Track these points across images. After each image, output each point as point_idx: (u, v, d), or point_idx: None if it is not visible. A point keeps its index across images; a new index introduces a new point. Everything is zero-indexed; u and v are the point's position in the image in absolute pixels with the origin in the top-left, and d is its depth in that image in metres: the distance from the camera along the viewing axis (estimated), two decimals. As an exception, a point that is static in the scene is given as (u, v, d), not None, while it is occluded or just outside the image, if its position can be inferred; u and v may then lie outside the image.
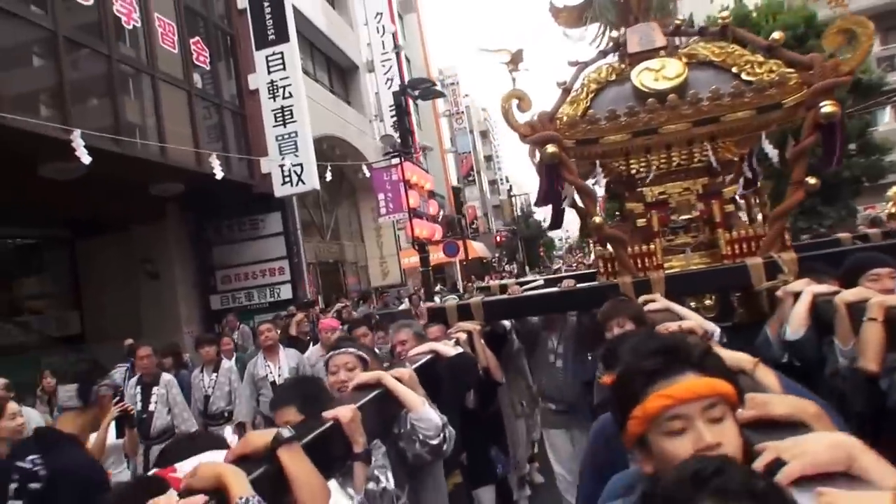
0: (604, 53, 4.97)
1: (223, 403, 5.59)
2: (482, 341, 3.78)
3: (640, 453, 1.17)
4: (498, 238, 34.85)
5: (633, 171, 4.51)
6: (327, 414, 1.81)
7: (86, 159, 6.15)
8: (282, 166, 9.84)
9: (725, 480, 0.80)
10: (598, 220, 4.44)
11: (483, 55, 5.23)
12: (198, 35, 9.62)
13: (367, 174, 13.20)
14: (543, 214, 59.95)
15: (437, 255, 16.44)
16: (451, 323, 4.21)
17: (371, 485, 1.86)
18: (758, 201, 5.09)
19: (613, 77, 4.62)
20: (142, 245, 10.84)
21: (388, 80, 16.22)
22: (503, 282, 8.01)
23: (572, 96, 4.59)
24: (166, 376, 5.30)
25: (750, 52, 4.43)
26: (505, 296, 5.58)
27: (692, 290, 3.90)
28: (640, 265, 4.29)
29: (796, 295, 2.74)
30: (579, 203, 4.88)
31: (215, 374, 5.66)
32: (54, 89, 6.77)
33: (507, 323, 4.72)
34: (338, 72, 16.29)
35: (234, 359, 6.20)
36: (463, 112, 33.21)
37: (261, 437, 1.49)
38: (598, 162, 4.49)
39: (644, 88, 4.29)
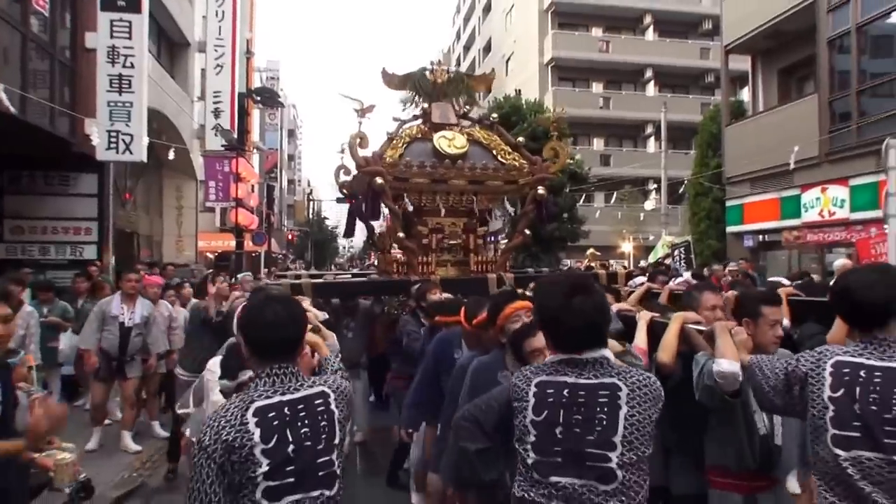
0: (416, 117, 6.76)
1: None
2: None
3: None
4: (290, 236, 35.84)
5: (423, 205, 6.37)
6: None
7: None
8: (110, 132, 10.15)
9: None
10: (401, 234, 6.25)
11: (342, 98, 6.60)
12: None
13: (172, 156, 13.75)
14: (335, 222, 61.39)
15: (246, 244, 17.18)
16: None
17: None
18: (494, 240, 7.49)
19: (420, 135, 6.45)
20: None
21: (218, 65, 16.48)
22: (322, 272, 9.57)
23: (393, 143, 6.31)
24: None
25: (505, 143, 6.62)
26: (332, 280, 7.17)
27: (454, 291, 5.12)
28: (420, 270, 6.12)
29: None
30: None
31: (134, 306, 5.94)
32: None
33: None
34: (167, 44, 16.15)
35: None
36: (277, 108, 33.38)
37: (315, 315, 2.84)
38: (405, 194, 6.29)
39: (440, 150, 6.17)
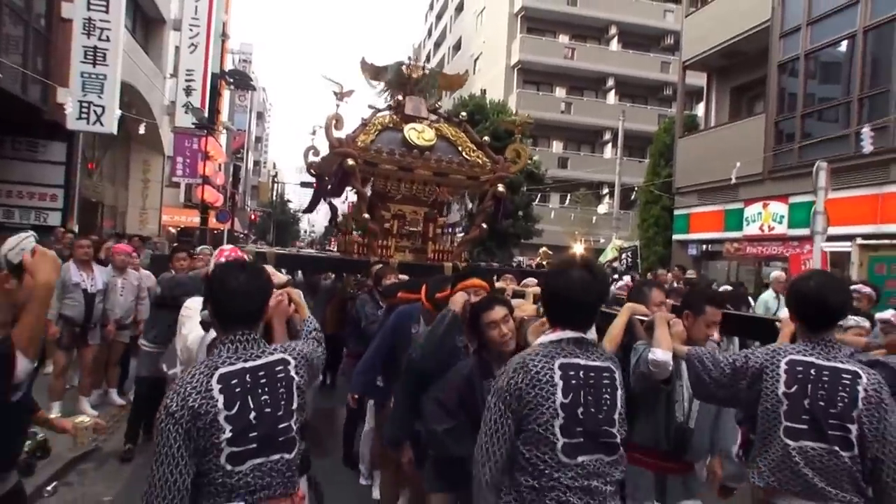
0: (389, 107, 6.96)
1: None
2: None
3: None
4: (253, 216, 35.86)
5: (388, 191, 6.63)
6: None
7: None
8: (82, 102, 10.31)
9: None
10: (366, 215, 6.52)
11: (324, 80, 6.76)
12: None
13: (142, 131, 13.91)
14: (298, 205, 61.02)
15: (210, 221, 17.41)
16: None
17: None
18: (451, 231, 8.00)
19: (392, 125, 6.70)
20: None
21: (192, 44, 16.53)
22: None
23: (366, 129, 6.52)
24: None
25: (471, 140, 6.97)
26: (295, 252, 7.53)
27: (411, 274, 5.24)
28: (380, 253, 6.44)
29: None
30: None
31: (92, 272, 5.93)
32: None
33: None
34: (143, 19, 16.19)
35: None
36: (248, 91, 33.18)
37: (279, 278, 2.62)
38: (372, 179, 6.62)
39: (410, 140, 6.45)
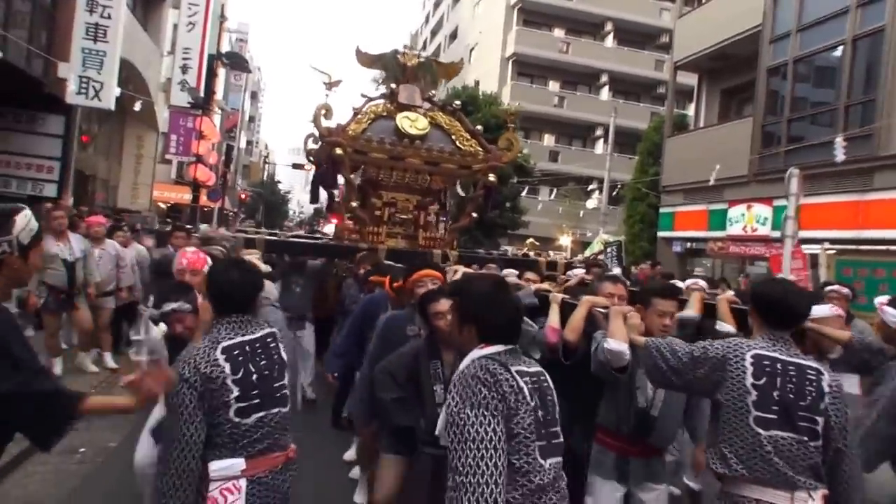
0: (383, 96, 7.10)
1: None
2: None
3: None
4: (243, 195, 35.95)
5: (380, 179, 6.82)
6: None
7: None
8: (81, 77, 10.49)
9: None
10: (354, 203, 6.72)
11: (312, 70, 6.91)
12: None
13: (138, 108, 14.08)
14: (288, 186, 60.80)
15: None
16: (238, 251, 5.65)
17: None
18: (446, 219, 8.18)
19: (385, 114, 6.77)
20: None
21: (190, 23, 16.63)
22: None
23: (358, 118, 6.63)
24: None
25: (464, 129, 7.07)
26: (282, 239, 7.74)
27: (399, 261, 5.33)
28: (370, 239, 6.65)
29: (455, 271, 4.75)
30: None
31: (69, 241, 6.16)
32: None
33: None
34: (143, -5, 16.24)
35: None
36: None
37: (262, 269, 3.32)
38: (362, 167, 6.86)
39: (402, 129, 6.57)
